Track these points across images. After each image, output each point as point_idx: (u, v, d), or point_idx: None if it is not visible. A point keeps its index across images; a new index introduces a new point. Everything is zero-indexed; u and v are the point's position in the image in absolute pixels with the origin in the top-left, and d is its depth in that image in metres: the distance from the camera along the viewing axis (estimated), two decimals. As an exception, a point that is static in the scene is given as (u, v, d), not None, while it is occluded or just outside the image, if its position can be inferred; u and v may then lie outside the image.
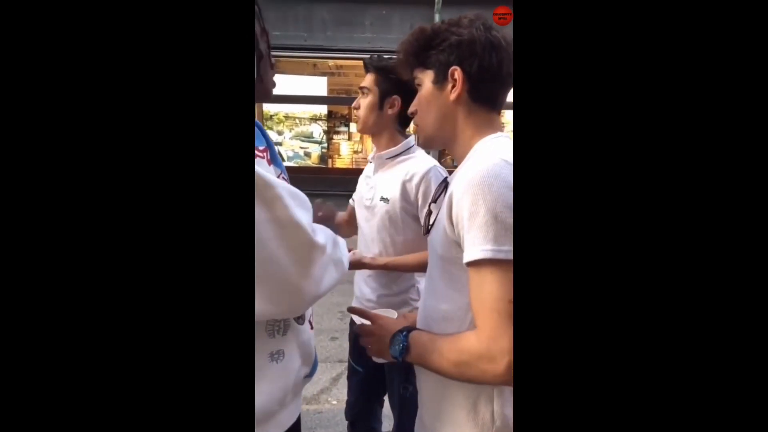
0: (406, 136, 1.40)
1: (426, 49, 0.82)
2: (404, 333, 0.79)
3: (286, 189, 0.67)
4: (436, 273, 0.82)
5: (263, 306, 0.64)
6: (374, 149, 1.42)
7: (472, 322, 0.72)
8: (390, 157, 1.36)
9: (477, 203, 0.67)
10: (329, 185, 7.50)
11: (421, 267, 1.28)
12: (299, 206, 0.68)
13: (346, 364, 1.62)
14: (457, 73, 0.79)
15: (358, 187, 1.46)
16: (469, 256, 0.68)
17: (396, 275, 1.35)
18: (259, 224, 0.62)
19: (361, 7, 7.06)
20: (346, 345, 3.08)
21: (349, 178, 8.39)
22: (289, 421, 0.80)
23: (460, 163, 0.84)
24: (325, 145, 7.91)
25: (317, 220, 0.82)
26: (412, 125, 1.28)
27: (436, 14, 6.90)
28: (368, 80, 1.34)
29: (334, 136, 7.96)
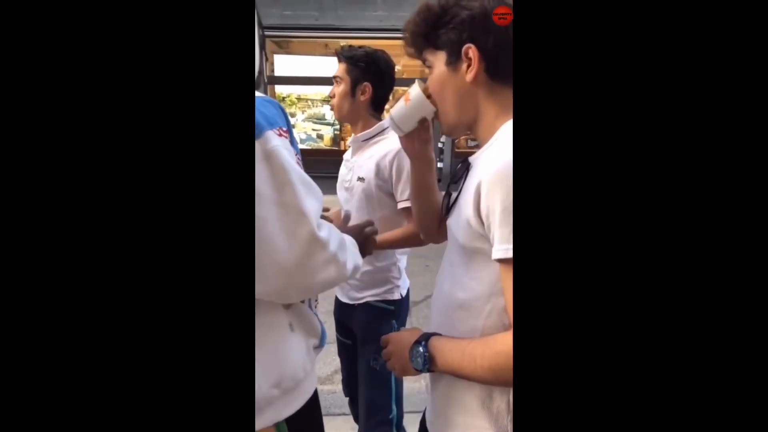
0: (380, 120, 1.45)
1: (435, 29, 0.75)
2: (422, 343, 0.74)
3: (299, 176, 0.67)
4: (457, 259, 0.78)
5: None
6: (352, 134, 1.47)
7: (491, 314, 0.70)
8: (365, 140, 1.42)
9: (510, 197, 0.62)
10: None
11: (406, 243, 1.36)
12: (309, 195, 0.68)
13: None
14: (472, 51, 0.71)
15: (340, 171, 1.51)
16: (500, 253, 0.64)
17: (377, 252, 1.37)
18: (265, 204, 0.63)
19: (372, -15, 6.93)
20: None
21: (334, 159, 8.35)
22: (311, 389, 0.83)
23: (484, 144, 0.77)
24: (338, 126, 7.88)
25: (341, 227, 0.88)
26: (387, 108, 1.30)
27: (450, -9, 6.73)
28: (340, 70, 1.39)
29: (346, 118, 7.92)
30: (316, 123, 7.83)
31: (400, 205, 1.35)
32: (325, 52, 7.58)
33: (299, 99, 7.65)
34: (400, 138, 0.90)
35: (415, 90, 0.81)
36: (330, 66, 7.53)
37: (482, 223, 0.68)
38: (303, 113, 7.71)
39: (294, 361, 0.77)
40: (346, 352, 1.56)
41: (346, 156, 1.51)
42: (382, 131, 1.41)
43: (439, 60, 0.75)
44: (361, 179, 1.37)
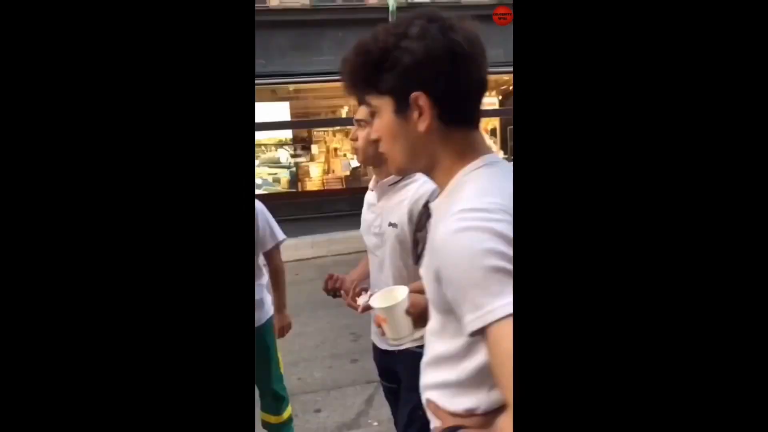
0: None
1: (376, 72, 0.66)
2: None
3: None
4: (432, 310, 0.72)
5: None
6: (374, 179, 1.43)
7: (470, 371, 0.65)
8: (392, 184, 1.37)
9: (462, 261, 0.56)
10: (301, 209, 7.46)
11: None
12: None
13: (374, 384, 1.60)
14: (422, 99, 0.64)
15: (363, 216, 1.47)
16: (474, 324, 0.56)
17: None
18: None
19: (317, 32, 7.17)
20: (368, 366, 2.98)
21: (322, 200, 8.26)
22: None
23: (442, 188, 0.72)
24: (294, 169, 7.89)
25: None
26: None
27: (392, 33, 7.07)
28: (363, 113, 1.30)
29: (297, 160, 7.94)
30: (271, 167, 7.81)
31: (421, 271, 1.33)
32: (271, 97, 7.68)
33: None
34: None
35: (381, 311, 0.81)
36: (281, 111, 7.50)
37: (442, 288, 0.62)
38: (257, 159, 7.69)
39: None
40: (393, 397, 1.50)
41: (370, 200, 1.45)
42: (409, 175, 1.35)
43: (385, 106, 0.68)
44: (393, 225, 1.33)
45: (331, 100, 8.20)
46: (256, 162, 7.66)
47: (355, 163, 8.15)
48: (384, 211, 1.37)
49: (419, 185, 1.32)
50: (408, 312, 0.83)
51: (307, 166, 8.00)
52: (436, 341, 0.72)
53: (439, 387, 0.71)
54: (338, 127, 8.15)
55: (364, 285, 1.31)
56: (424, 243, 0.75)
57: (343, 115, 8.08)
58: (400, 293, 0.84)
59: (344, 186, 8.00)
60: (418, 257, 0.83)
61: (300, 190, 7.87)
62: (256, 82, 6.93)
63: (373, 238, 1.41)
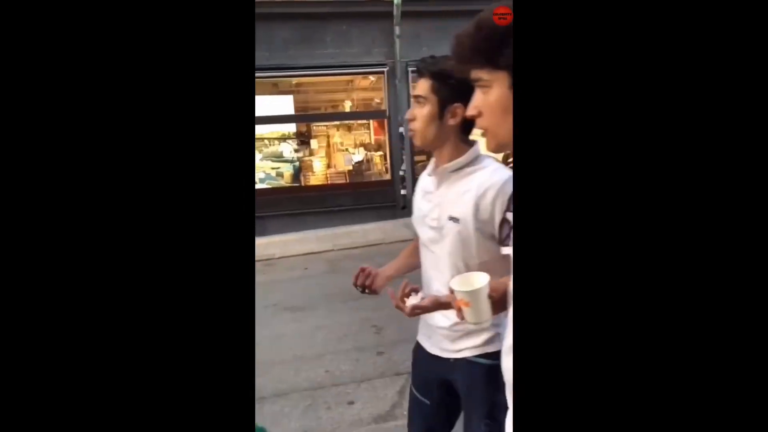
0: (471, 144, 1.18)
1: (497, 47, 0.66)
2: None
3: None
4: None
5: None
6: (433, 161, 1.23)
7: None
8: (455, 170, 1.17)
9: None
10: (304, 204, 7.43)
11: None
12: None
13: (404, 376, 1.50)
14: None
15: (417, 203, 1.27)
16: None
17: None
18: None
19: (320, 24, 7.09)
20: (395, 358, 3.04)
21: (325, 194, 8.25)
22: None
23: None
24: (297, 163, 7.84)
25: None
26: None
27: (396, 26, 7.00)
28: (423, 87, 1.13)
29: (298, 154, 7.90)
30: (274, 161, 7.77)
31: (507, 251, 1.18)
32: (272, 90, 7.62)
33: (255, 138, 7.61)
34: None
35: (465, 294, 0.83)
36: (284, 104, 7.46)
37: None
38: (260, 153, 7.65)
39: None
40: (420, 413, 1.30)
41: (427, 186, 1.24)
42: (475, 159, 1.17)
43: (499, 81, 0.69)
44: (454, 219, 1.13)
45: (333, 95, 8.14)
46: (259, 156, 7.62)
47: (358, 158, 8.10)
48: (444, 201, 1.17)
49: (490, 173, 1.13)
50: (489, 296, 0.84)
51: (310, 161, 7.96)
52: None
53: None
54: (338, 122, 8.09)
55: (413, 285, 1.11)
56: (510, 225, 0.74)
57: (347, 110, 8.03)
58: (481, 278, 0.85)
59: (347, 181, 7.96)
60: (504, 239, 0.79)
61: (303, 184, 7.83)
62: (259, 75, 6.90)
63: (428, 231, 1.20)
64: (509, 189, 1.07)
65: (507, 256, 1.06)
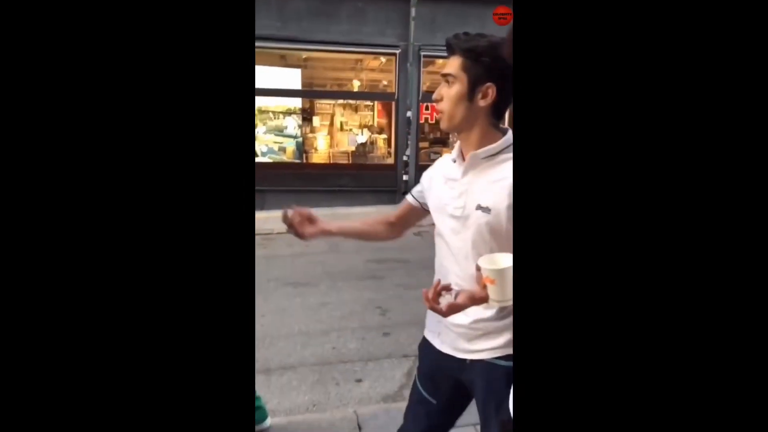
0: (503, 131, 1.10)
1: None
2: None
3: None
4: None
5: None
6: (458, 147, 1.14)
7: None
8: (487, 156, 1.08)
9: None
10: (305, 181, 7.35)
11: None
12: None
13: (412, 358, 1.45)
14: None
15: (436, 192, 1.18)
16: None
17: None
18: None
19: (337, 0, 6.93)
20: (402, 339, 3.02)
21: (327, 173, 8.18)
22: None
23: None
24: (300, 139, 7.73)
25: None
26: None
27: (412, 8, 6.88)
28: (454, 65, 1.05)
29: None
30: (277, 135, 7.64)
31: None
32: (279, 63, 7.46)
33: (260, 111, 7.45)
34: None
35: (492, 272, 0.87)
36: (291, 78, 7.32)
37: None
38: (264, 125, 7.50)
39: None
40: (425, 411, 1.23)
41: (450, 173, 1.14)
42: (509, 147, 1.08)
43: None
44: (484, 209, 1.05)
45: (340, 73, 8.00)
46: (262, 129, 7.48)
47: (362, 139, 8.02)
48: (471, 188, 1.09)
49: None
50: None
51: (314, 138, 7.85)
52: None
53: None
54: (343, 101, 7.97)
55: (444, 283, 1.03)
56: None
57: (355, 89, 7.90)
58: (508, 257, 0.88)
59: (350, 161, 7.88)
60: None
61: (305, 161, 7.73)
62: (269, 45, 6.73)
63: (449, 220, 1.12)
64: None
65: None
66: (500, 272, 0.84)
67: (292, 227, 1.18)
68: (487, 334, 1.09)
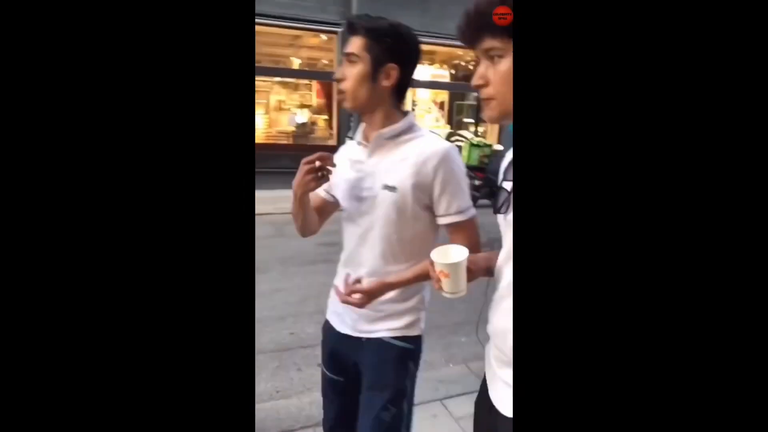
0: (404, 113, 1.12)
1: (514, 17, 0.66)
2: None
3: None
4: None
5: None
6: (361, 127, 1.15)
7: None
8: (392, 137, 1.09)
9: None
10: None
11: None
12: None
13: None
14: None
15: (342, 176, 1.15)
16: None
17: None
18: None
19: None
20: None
21: (266, 154, 7.87)
22: None
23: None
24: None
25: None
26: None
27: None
28: (356, 45, 1.06)
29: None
30: (210, 113, 7.17)
31: (445, 221, 1.08)
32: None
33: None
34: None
35: (446, 266, 0.87)
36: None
37: None
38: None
39: None
40: (335, 391, 1.26)
41: (355, 156, 1.15)
42: (411, 127, 1.10)
43: (511, 51, 0.71)
44: (390, 188, 1.06)
45: (276, 48, 7.64)
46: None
47: (301, 119, 7.77)
48: (377, 169, 1.09)
49: (429, 141, 1.08)
50: (468, 268, 0.90)
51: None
52: None
53: None
54: (279, 79, 7.65)
55: (356, 276, 1.07)
56: (508, 193, 0.79)
57: (295, 67, 7.60)
58: (460, 250, 0.91)
59: (290, 142, 7.63)
60: (499, 207, 0.83)
61: (266, 141, 7.36)
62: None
63: (355, 202, 1.12)
64: (450, 159, 1.06)
65: (447, 226, 1.10)
66: (454, 266, 0.87)
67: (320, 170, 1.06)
68: (388, 316, 1.12)
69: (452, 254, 0.90)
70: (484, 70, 0.75)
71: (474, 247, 1.04)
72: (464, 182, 1.10)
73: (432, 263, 0.89)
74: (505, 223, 0.83)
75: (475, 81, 0.76)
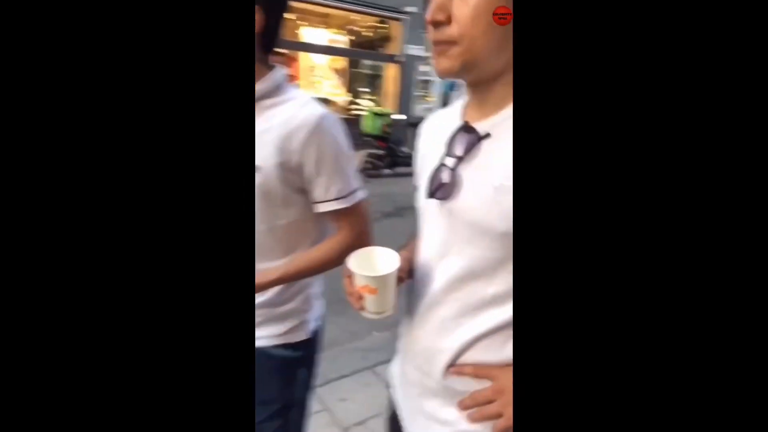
0: (270, 67, 0.88)
1: None
2: None
3: None
4: (481, 251, 0.62)
5: None
6: None
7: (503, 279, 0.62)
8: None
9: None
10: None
11: (329, 266, 0.89)
12: None
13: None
14: None
15: None
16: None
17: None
18: None
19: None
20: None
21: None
22: None
23: (496, 111, 0.62)
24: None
25: None
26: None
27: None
28: None
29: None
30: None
31: (323, 208, 0.87)
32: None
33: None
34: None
35: (373, 281, 0.63)
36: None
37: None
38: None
39: None
40: None
41: None
42: (277, 89, 0.85)
43: None
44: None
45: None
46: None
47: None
48: None
49: (298, 107, 0.83)
50: (399, 277, 0.67)
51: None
52: (483, 285, 0.63)
53: (489, 334, 0.63)
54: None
55: None
56: (466, 175, 0.62)
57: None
58: (387, 255, 0.67)
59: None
60: (434, 191, 0.65)
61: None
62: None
63: None
64: (324, 130, 0.83)
65: (328, 213, 0.87)
66: (382, 279, 0.63)
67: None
68: (266, 322, 0.94)
69: (377, 262, 0.67)
70: (446, 0, 0.57)
71: (363, 241, 0.86)
72: (345, 158, 0.86)
73: (350, 276, 0.65)
74: (440, 211, 0.65)
75: (433, 15, 0.57)
